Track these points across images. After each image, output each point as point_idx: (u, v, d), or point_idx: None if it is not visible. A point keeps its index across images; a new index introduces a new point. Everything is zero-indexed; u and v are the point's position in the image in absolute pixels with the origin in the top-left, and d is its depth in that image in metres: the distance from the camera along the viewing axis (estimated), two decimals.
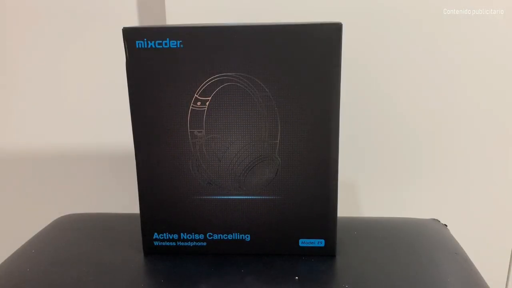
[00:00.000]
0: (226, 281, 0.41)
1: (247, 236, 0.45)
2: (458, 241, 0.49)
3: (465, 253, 0.46)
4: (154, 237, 0.45)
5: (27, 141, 0.79)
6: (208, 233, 0.45)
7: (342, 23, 0.39)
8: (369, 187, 0.74)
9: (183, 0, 0.67)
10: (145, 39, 0.40)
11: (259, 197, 0.43)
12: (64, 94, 0.76)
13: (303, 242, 0.44)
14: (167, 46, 0.40)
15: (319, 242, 0.44)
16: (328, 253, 0.44)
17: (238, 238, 0.45)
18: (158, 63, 0.40)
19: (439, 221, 0.53)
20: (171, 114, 0.42)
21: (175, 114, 0.42)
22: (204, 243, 0.45)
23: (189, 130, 0.42)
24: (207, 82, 0.41)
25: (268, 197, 0.43)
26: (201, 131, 0.42)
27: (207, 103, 0.41)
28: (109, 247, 0.47)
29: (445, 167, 0.73)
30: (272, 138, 0.42)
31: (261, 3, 0.66)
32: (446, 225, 0.52)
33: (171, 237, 0.45)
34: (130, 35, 0.40)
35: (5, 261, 0.46)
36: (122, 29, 0.40)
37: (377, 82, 0.69)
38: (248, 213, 0.44)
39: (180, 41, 0.40)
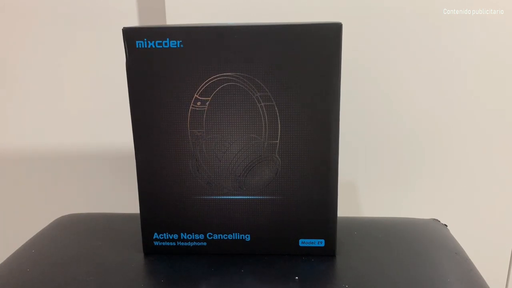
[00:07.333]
0: (226, 281, 0.41)
1: (247, 236, 0.45)
2: (458, 241, 0.49)
3: (465, 253, 0.46)
4: (154, 237, 0.45)
5: (27, 141, 0.79)
6: (208, 233, 0.45)
7: (342, 23, 0.39)
8: (369, 187, 0.74)
9: (183, 0, 0.67)
10: (145, 39, 0.40)
11: (259, 197, 0.43)
12: (64, 94, 0.76)
13: (303, 242, 0.44)
14: (167, 46, 0.40)
15: (319, 242, 0.44)
16: (328, 253, 0.44)
17: (238, 238, 0.45)
18: (158, 63, 0.40)
19: (439, 221, 0.53)
20: (171, 114, 0.42)
21: (175, 114, 0.42)
22: (204, 243, 0.45)
23: (189, 130, 0.42)
24: (207, 82, 0.41)
25: (268, 197, 0.43)
26: (201, 131, 0.42)
27: (207, 103, 0.41)
28: (109, 247, 0.47)
29: (445, 167, 0.73)
30: (272, 138, 0.42)
31: (261, 3, 0.66)
32: (446, 225, 0.52)
33: (171, 237, 0.45)
34: (130, 35, 0.40)
35: (5, 261, 0.46)
36: (122, 29, 0.40)
37: (377, 82, 0.69)
38: (248, 213, 0.44)
39: (180, 41, 0.40)
